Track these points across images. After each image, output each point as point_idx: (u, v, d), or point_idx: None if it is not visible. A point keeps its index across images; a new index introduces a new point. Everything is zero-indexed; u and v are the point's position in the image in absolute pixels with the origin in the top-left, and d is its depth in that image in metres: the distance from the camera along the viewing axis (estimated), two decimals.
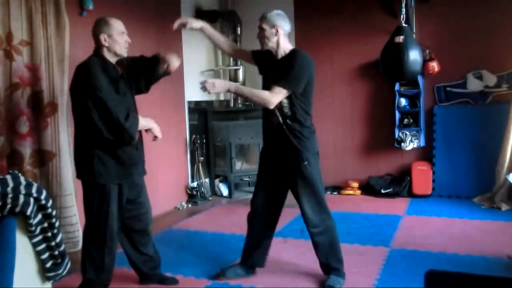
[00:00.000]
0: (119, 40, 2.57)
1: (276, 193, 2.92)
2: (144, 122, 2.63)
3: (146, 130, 2.70)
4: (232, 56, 3.19)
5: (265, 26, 2.73)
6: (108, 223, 2.58)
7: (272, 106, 2.67)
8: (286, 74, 2.67)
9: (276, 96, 2.65)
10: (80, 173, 2.62)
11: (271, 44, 2.75)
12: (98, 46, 2.58)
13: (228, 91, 2.80)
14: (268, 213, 2.95)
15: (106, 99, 2.43)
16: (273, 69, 2.77)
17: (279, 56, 2.78)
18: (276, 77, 2.70)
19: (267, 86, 2.76)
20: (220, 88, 2.73)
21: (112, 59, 2.61)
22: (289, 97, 2.69)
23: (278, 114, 2.73)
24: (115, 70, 2.61)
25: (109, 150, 2.54)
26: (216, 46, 3.10)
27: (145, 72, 2.80)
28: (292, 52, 2.76)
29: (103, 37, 2.53)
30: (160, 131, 2.71)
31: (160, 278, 2.94)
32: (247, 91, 2.78)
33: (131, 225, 2.79)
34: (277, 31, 2.72)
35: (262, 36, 2.76)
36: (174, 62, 2.81)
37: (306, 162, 2.73)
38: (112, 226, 2.60)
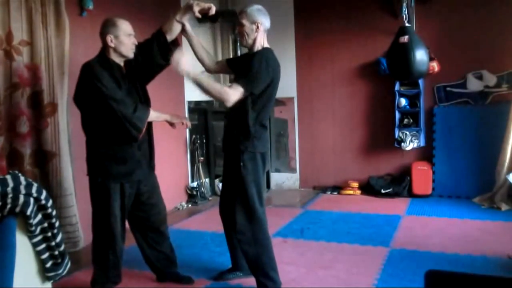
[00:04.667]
0: (126, 42, 2.56)
1: (228, 191, 2.83)
2: (155, 114, 2.62)
3: (171, 124, 2.72)
4: (213, 73, 3.02)
5: (245, 21, 2.62)
6: (110, 221, 2.63)
7: (229, 104, 2.52)
8: (246, 75, 2.55)
9: (234, 95, 2.49)
10: (88, 171, 2.69)
11: (250, 40, 2.64)
12: (104, 46, 2.57)
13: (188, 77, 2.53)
14: (226, 212, 2.87)
15: (111, 95, 2.45)
16: (241, 64, 2.69)
17: (251, 52, 2.68)
18: (238, 75, 2.65)
19: None
20: (182, 69, 2.48)
21: (118, 60, 2.60)
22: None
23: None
24: (119, 70, 2.60)
25: (111, 150, 2.59)
26: (198, 59, 2.92)
27: (146, 59, 2.72)
28: (260, 51, 2.63)
29: (109, 38, 2.52)
30: (176, 118, 2.71)
31: (176, 277, 2.96)
32: (206, 84, 2.53)
33: (145, 225, 2.85)
34: (257, 27, 2.61)
35: (241, 32, 2.65)
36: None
37: (242, 164, 2.62)
38: (114, 224, 2.64)
